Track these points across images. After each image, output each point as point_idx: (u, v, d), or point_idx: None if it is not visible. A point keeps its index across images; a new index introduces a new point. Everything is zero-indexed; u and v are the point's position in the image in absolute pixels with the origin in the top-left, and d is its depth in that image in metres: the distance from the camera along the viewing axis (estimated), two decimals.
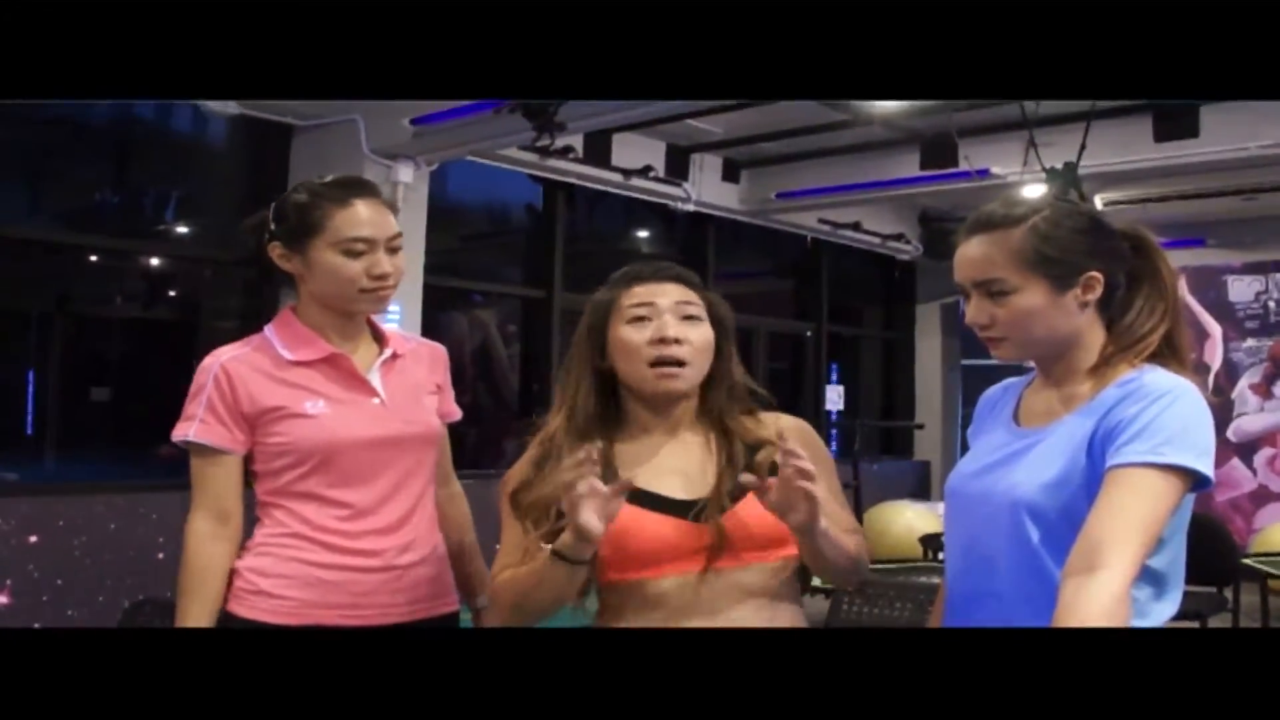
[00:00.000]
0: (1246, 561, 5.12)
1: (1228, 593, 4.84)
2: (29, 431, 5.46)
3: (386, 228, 1.99)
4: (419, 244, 5.78)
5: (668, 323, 1.66)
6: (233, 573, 1.95)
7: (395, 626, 1.96)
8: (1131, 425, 1.45)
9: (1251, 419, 7.62)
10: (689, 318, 1.68)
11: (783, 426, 1.67)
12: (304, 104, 5.32)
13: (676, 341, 1.66)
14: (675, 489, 1.66)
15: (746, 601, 1.64)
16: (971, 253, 1.59)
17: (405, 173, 5.36)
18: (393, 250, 1.99)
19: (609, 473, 1.60)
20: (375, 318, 2.10)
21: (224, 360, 1.97)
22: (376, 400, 2.00)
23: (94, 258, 5.72)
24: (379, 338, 2.09)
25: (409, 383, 2.07)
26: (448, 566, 2.09)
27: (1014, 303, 1.55)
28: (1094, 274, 1.56)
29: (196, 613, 1.91)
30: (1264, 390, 7.72)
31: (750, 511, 1.62)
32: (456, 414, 2.18)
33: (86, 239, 5.54)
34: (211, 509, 1.94)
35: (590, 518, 1.49)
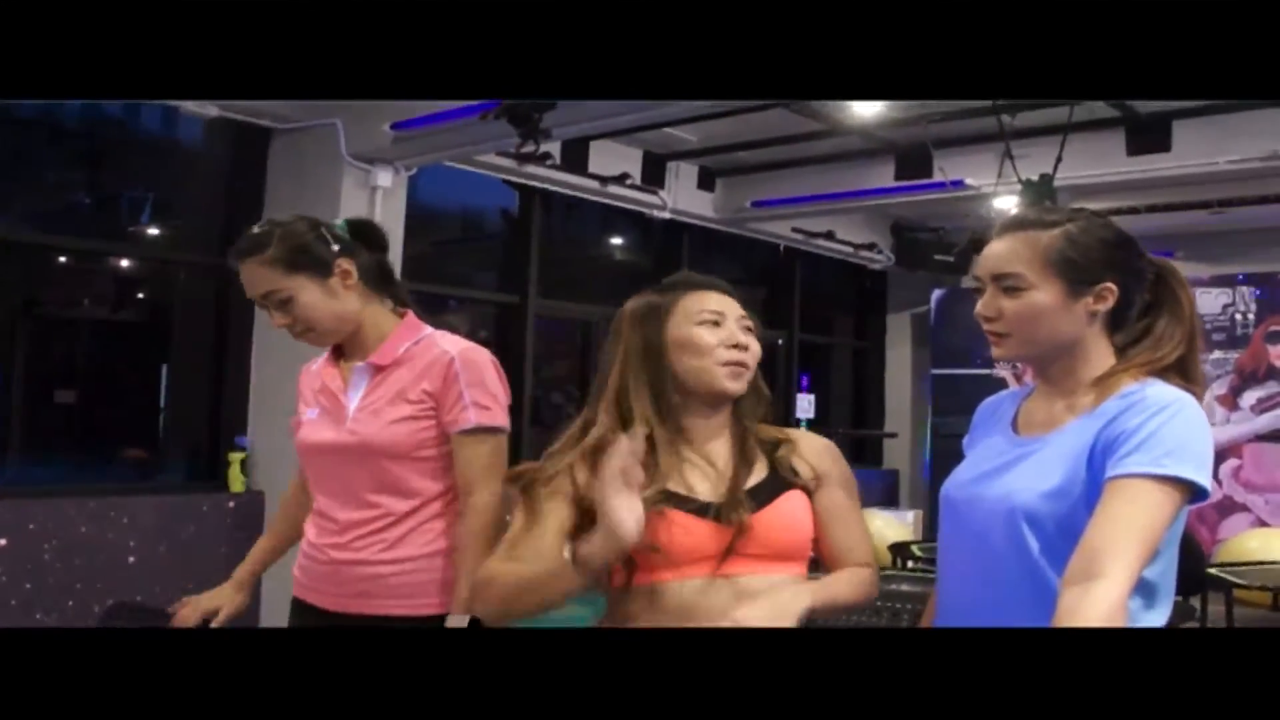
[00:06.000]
0: (1211, 571, 5.15)
1: (1195, 601, 4.89)
2: None
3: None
4: (396, 249, 5.73)
5: (736, 331, 1.80)
6: None
7: (380, 618, 2.08)
8: (1133, 437, 1.46)
9: (1217, 430, 7.70)
10: (747, 329, 1.83)
11: (812, 446, 1.84)
12: (283, 107, 5.27)
13: (746, 348, 1.80)
14: (704, 492, 1.72)
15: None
16: (998, 248, 1.61)
17: (384, 178, 5.33)
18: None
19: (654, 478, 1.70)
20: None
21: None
22: (351, 408, 2.17)
23: (62, 259, 5.65)
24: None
25: (388, 391, 2.14)
26: (400, 573, 2.10)
27: (1025, 299, 1.58)
28: (1109, 285, 1.58)
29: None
30: (1230, 402, 7.81)
31: (771, 518, 1.70)
32: (464, 423, 2.12)
33: (55, 240, 5.47)
34: None
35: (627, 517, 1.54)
